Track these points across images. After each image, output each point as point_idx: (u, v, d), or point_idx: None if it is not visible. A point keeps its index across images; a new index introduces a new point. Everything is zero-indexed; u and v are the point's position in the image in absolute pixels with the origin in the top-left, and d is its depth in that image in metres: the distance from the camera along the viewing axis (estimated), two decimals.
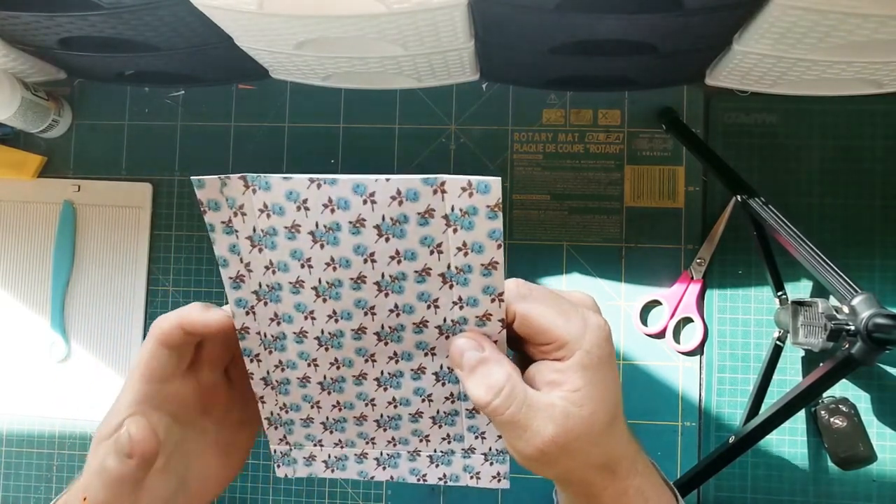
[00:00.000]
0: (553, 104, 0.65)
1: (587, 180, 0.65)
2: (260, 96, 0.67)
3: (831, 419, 0.58)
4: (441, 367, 0.35)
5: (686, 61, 0.58)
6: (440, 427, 0.38)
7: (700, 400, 0.62)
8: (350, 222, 0.31)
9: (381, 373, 0.36)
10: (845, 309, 0.49)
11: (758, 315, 0.62)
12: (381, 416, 0.38)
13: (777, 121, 0.63)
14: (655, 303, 0.63)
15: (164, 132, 0.68)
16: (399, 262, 0.32)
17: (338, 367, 0.36)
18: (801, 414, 0.60)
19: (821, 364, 0.51)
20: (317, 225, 0.31)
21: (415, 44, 0.53)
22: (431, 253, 0.32)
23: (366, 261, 0.32)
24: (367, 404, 0.37)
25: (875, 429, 0.60)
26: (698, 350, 0.62)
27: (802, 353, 0.61)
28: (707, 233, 0.62)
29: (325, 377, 0.36)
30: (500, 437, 0.38)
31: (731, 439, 0.54)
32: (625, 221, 0.64)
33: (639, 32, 0.51)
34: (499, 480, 0.39)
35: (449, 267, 0.32)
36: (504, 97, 0.66)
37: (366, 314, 0.34)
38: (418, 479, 0.41)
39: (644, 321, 0.63)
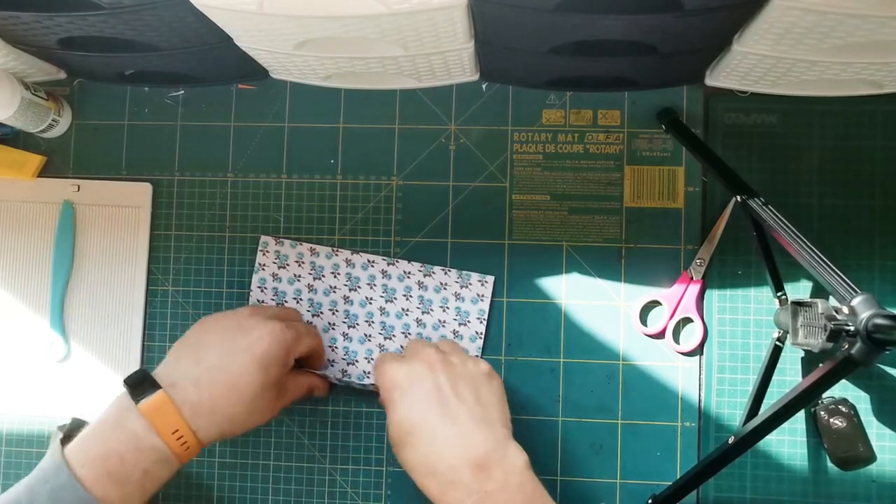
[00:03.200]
0: (553, 104, 0.65)
1: (587, 180, 0.65)
2: (260, 96, 0.68)
3: (831, 420, 0.58)
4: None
5: (686, 61, 0.58)
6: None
7: (700, 400, 0.62)
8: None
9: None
10: (845, 309, 0.49)
11: (757, 315, 0.62)
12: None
13: (777, 121, 0.63)
14: (655, 303, 0.63)
15: (164, 132, 0.68)
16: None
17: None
18: (801, 414, 0.60)
19: (820, 365, 0.51)
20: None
21: (415, 44, 0.53)
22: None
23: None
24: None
25: (875, 429, 0.60)
26: (698, 350, 0.62)
27: (802, 354, 0.61)
28: (707, 233, 0.62)
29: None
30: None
31: (731, 440, 0.54)
32: (624, 222, 0.64)
33: (639, 32, 0.51)
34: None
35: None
36: (504, 97, 0.66)
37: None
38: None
39: (644, 321, 0.63)
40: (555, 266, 0.64)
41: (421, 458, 0.50)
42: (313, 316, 0.63)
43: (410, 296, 0.62)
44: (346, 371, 0.63)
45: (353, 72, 0.61)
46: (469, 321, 0.61)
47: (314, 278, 0.63)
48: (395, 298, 0.62)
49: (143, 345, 0.67)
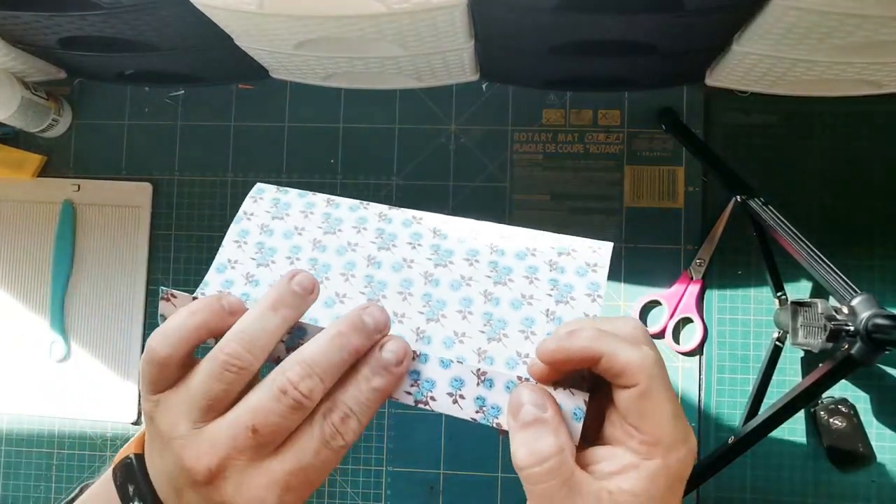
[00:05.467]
0: (553, 104, 0.65)
1: (587, 180, 0.65)
2: (260, 96, 0.67)
3: (831, 419, 0.58)
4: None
5: (686, 61, 0.58)
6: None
7: (699, 400, 0.62)
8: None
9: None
10: (845, 309, 0.49)
11: (757, 315, 0.62)
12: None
13: (777, 121, 0.63)
14: (655, 303, 0.63)
15: (164, 132, 0.68)
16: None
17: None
18: (801, 414, 0.60)
19: (820, 365, 0.51)
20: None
21: (415, 44, 0.53)
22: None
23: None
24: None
25: (874, 429, 0.60)
26: (698, 350, 0.62)
27: (802, 354, 0.61)
28: (707, 233, 0.62)
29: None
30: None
31: (731, 439, 0.54)
32: (625, 221, 0.64)
33: (639, 32, 0.51)
34: None
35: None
36: (504, 97, 0.66)
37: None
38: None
39: (644, 321, 0.63)
40: None
41: None
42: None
43: (477, 260, 0.38)
44: None
45: (353, 72, 0.61)
46: (573, 297, 0.37)
47: (325, 232, 0.40)
48: (451, 262, 0.38)
49: (143, 345, 0.67)
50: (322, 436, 0.28)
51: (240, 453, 0.28)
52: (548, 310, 0.37)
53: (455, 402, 0.32)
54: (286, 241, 0.41)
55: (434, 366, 0.33)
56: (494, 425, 0.32)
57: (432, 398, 0.32)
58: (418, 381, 0.33)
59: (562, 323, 0.35)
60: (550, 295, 0.37)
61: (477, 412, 0.32)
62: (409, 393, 0.32)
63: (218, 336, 0.30)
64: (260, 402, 0.28)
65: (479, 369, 0.33)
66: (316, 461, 0.28)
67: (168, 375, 0.29)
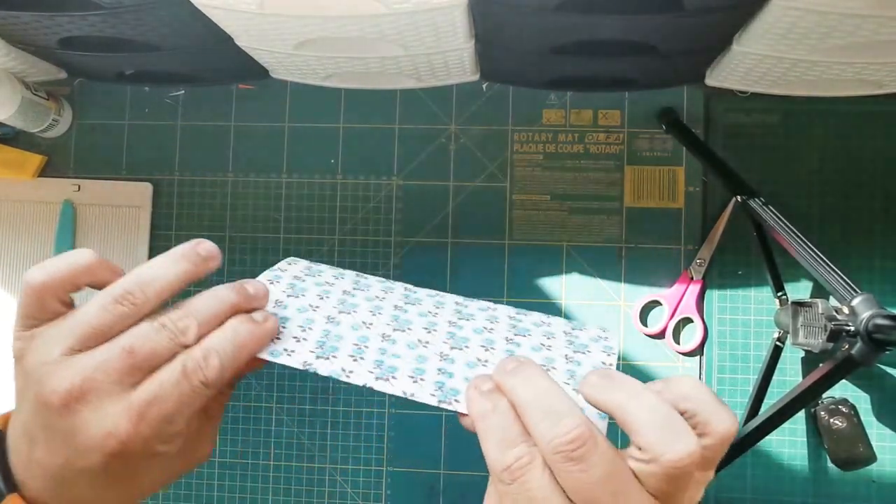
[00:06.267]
0: (553, 104, 0.65)
1: (587, 180, 0.65)
2: (260, 96, 0.68)
3: (831, 420, 0.58)
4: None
5: (686, 62, 0.58)
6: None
7: None
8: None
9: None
10: (845, 310, 0.49)
11: (758, 315, 0.62)
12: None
13: (777, 121, 0.63)
14: (655, 303, 0.63)
15: (164, 132, 0.68)
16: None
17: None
18: (801, 414, 0.60)
19: (820, 365, 0.51)
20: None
21: (415, 44, 0.53)
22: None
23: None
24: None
25: (875, 429, 0.60)
26: (698, 350, 0.62)
27: (802, 354, 0.61)
28: (707, 233, 0.62)
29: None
30: None
31: None
32: (625, 222, 0.64)
33: (639, 33, 0.51)
34: None
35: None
36: (504, 97, 0.66)
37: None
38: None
39: (644, 322, 0.63)
40: (555, 266, 0.64)
41: None
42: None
43: (493, 348, 0.36)
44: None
45: (353, 72, 0.61)
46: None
47: (340, 311, 0.38)
48: (468, 346, 0.36)
49: None
50: (183, 367, 0.29)
51: (106, 375, 0.28)
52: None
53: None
54: (316, 288, 0.40)
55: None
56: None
57: (456, 401, 0.32)
58: (443, 388, 0.33)
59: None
60: (568, 383, 0.35)
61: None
62: (433, 395, 0.32)
63: (95, 285, 0.31)
64: (140, 330, 0.29)
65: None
66: (175, 392, 0.29)
67: (46, 307, 0.30)
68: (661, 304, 0.63)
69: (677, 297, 0.62)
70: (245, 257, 0.66)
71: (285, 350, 0.33)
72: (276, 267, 0.40)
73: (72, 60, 0.63)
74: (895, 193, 0.62)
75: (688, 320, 0.63)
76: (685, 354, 0.62)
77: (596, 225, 0.64)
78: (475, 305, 0.40)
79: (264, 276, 0.39)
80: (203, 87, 0.68)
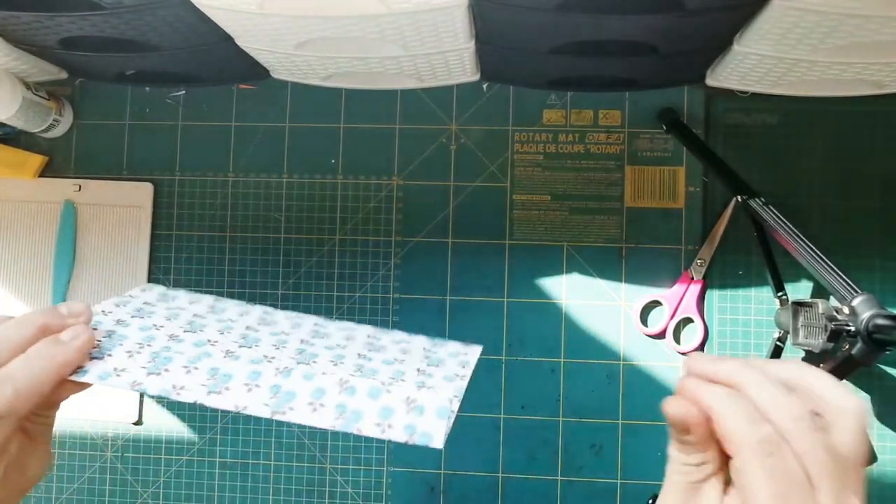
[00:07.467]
0: (553, 104, 0.65)
1: (587, 180, 0.65)
2: (260, 96, 0.68)
3: None
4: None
5: (686, 62, 0.58)
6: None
7: None
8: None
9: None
10: (845, 310, 0.49)
11: (758, 315, 0.62)
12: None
13: (777, 121, 0.63)
14: (656, 303, 0.63)
15: (164, 132, 0.68)
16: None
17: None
18: None
19: (821, 365, 0.51)
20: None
21: (415, 44, 0.53)
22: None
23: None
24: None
25: (875, 429, 0.60)
26: (699, 350, 0.62)
27: (802, 354, 0.61)
28: (707, 233, 0.62)
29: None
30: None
31: None
32: (625, 222, 0.64)
33: (639, 33, 0.51)
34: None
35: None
36: (504, 97, 0.66)
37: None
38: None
39: (644, 322, 0.63)
40: (555, 266, 0.64)
41: None
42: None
43: (342, 363, 0.38)
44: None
45: (353, 72, 0.61)
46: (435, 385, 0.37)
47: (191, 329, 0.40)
48: (316, 361, 0.38)
49: None
50: None
51: None
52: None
53: (315, 410, 0.34)
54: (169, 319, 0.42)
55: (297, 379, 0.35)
56: (355, 431, 0.33)
57: (290, 409, 0.34)
58: (278, 394, 0.34)
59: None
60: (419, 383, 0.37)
61: (337, 419, 0.33)
62: (266, 405, 0.33)
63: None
64: None
65: (341, 379, 0.35)
66: None
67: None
68: (661, 305, 0.63)
69: (678, 297, 0.62)
70: (245, 257, 0.66)
71: (115, 370, 0.34)
72: (127, 293, 0.42)
73: (73, 60, 0.63)
74: (895, 193, 0.62)
75: (688, 320, 0.63)
76: (686, 354, 0.62)
77: (596, 225, 0.64)
78: (334, 326, 0.42)
79: (111, 300, 0.40)
80: (204, 87, 0.68)
